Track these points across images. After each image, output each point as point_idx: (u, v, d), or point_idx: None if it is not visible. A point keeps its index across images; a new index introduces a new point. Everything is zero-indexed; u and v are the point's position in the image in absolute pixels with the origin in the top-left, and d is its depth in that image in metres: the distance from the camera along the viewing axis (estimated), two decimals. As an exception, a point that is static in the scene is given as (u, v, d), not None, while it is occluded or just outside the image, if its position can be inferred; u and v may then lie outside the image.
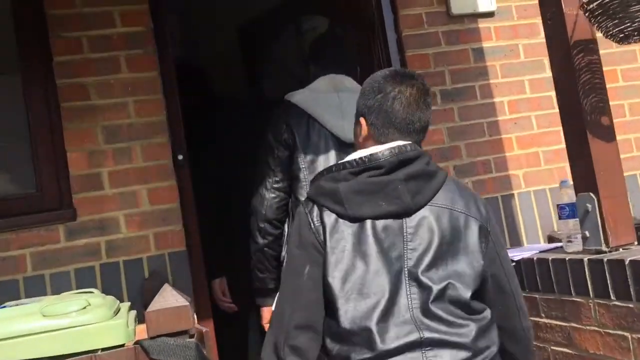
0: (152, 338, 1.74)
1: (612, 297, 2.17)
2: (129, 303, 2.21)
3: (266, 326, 2.27)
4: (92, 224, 2.75)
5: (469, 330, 1.48)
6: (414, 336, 1.44)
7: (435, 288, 1.49)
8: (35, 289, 2.64)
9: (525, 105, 3.48)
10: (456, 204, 1.57)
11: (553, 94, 3.48)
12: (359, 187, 1.53)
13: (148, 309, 1.77)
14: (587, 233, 2.34)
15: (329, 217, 1.53)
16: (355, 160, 1.58)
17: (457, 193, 1.60)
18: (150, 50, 2.93)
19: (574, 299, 2.35)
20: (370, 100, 1.63)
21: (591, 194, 2.30)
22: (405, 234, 1.52)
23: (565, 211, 2.51)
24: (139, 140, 2.85)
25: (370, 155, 1.56)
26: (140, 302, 2.57)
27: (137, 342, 1.76)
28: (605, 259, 2.19)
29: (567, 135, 2.43)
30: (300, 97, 2.40)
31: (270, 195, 2.32)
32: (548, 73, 3.49)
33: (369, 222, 1.52)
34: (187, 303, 1.79)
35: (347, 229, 1.52)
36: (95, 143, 2.80)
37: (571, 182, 2.52)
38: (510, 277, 1.65)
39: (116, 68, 2.87)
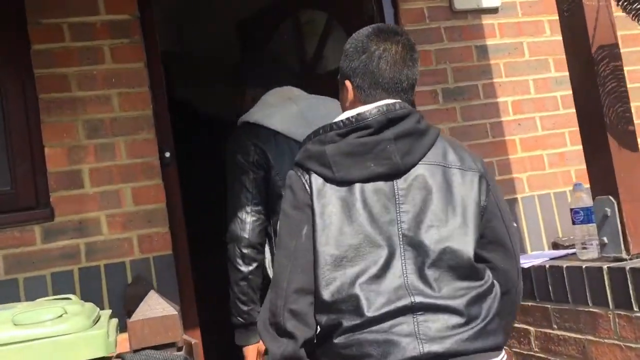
0: (135, 351, 1.58)
1: (635, 308, 2.03)
2: (109, 311, 2.04)
3: None
4: (71, 225, 2.60)
5: (464, 295, 1.42)
6: (405, 301, 1.39)
7: (432, 252, 1.44)
8: (8, 294, 2.45)
9: (529, 106, 3.35)
10: (449, 160, 1.51)
11: (558, 94, 3.42)
12: (347, 148, 1.46)
13: (132, 318, 1.62)
14: (605, 239, 2.20)
15: (316, 181, 1.47)
16: (342, 121, 1.50)
17: (449, 149, 1.53)
18: (137, 39, 2.77)
19: (591, 309, 2.20)
20: (354, 62, 1.55)
21: (611, 198, 2.16)
22: (397, 196, 1.46)
23: (580, 216, 2.36)
24: (122, 135, 2.70)
25: (358, 114, 1.49)
26: (122, 310, 2.42)
27: (118, 356, 1.60)
28: (627, 267, 2.05)
29: (585, 135, 2.29)
30: (260, 116, 2.31)
31: (251, 218, 2.20)
32: (553, 73, 3.42)
33: (357, 186, 1.46)
34: (176, 312, 1.63)
35: (334, 193, 1.46)
36: (76, 138, 2.65)
37: (586, 185, 2.37)
38: (513, 234, 1.57)
39: (99, 58, 2.71)
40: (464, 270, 1.45)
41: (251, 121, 2.30)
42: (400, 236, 1.44)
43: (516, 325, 2.56)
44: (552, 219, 3.30)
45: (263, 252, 2.22)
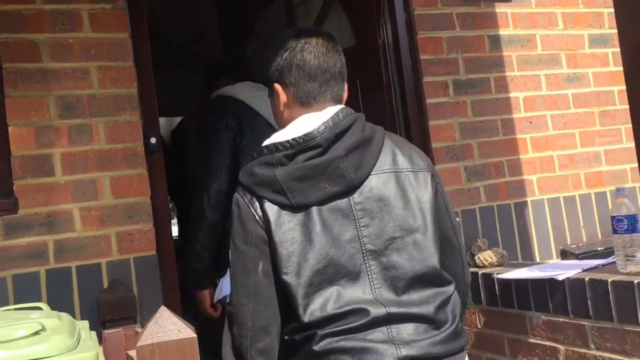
0: (144, 385, 1.24)
1: (701, 331, 1.80)
2: (86, 322, 1.83)
3: (208, 310, 2.44)
4: (38, 219, 2.35)
5: (432, 302, 1.48)
6: (379, 313, 1.43)
7: (397, 263, 1.48)
8: (-39, 300, 2.20)
9: (541, 103, 3.18)
10: (399, 164, 1.53)
11: (569, 92, 3.26)
12: (299, 173, 1.46)
13: (140, 341, 1.30)
14: (659, 251, 1.97)
15: (271, 209, 1.47)
16: (288, 141, 1.48)
17: (397, 152, 1.55)
18: (120, 5, 2.51)
19: (642, 329, 1.97)
20: (278, 63, 1.56)
21: (669, 205, 1.93)
22: (354, 212, 1.48)
23: (624, 224, 2.15)
24: (101, 116, 2.47)
25: (305, 135, 1.48)
26: (97, 320, 2.27)
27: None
28: (692, 284, 1.82)
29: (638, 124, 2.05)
30: (234, 91, 2.49)
31: (220, 170, 2.37)
32: (565, 69, 3.26)
33: (314, 209, 1.47)
34: (194, 334, 1.33)
35: (292, 219, 1.46)
36: (46, 116, 2.41)
37: (627, 187, 2.16)
38: (457, 229, 1.64)
39: (76, 24, 2.46)
40: (430, 276, 1.49)
41: (227, 94, 2.47)
42: (364, 252, 1.47)
43: (542, 342, 2.36)
44: (562, 225, 3.14)
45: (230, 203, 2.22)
